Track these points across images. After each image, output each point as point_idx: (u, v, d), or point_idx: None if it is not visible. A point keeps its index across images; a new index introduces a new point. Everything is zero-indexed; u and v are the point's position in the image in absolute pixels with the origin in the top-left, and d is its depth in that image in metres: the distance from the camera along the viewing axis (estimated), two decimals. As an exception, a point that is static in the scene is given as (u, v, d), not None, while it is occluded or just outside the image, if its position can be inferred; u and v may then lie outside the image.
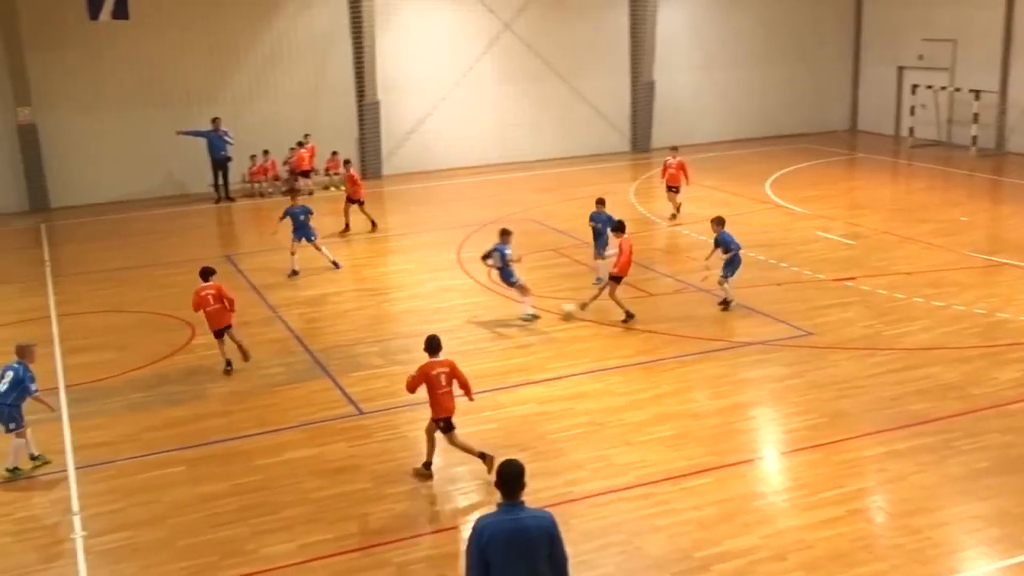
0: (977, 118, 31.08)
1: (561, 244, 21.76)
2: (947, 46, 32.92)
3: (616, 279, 16.60)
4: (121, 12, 25.59)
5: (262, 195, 28.26)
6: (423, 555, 9.96)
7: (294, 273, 19.93)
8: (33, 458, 12.12)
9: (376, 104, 29.98)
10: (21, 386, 11.87)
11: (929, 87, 33.03)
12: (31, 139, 26.63)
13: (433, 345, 11.45)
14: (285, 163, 28.81)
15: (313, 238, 20.22)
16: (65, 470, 11.99)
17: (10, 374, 11.89)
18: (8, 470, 11.84)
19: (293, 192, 21.11)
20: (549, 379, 14.27)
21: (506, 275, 16.75)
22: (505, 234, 16.93)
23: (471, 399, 11.71)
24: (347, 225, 23.51)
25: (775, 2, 34.99)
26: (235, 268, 20.76)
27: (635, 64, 33.45)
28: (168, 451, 12.36)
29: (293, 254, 20.05)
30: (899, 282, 18.17)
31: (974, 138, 31.24)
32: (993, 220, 23.73)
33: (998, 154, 31.24)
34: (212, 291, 14.75)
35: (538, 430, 12.64)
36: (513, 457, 7.07)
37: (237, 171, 28.28)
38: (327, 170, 29.17)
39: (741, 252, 17.27)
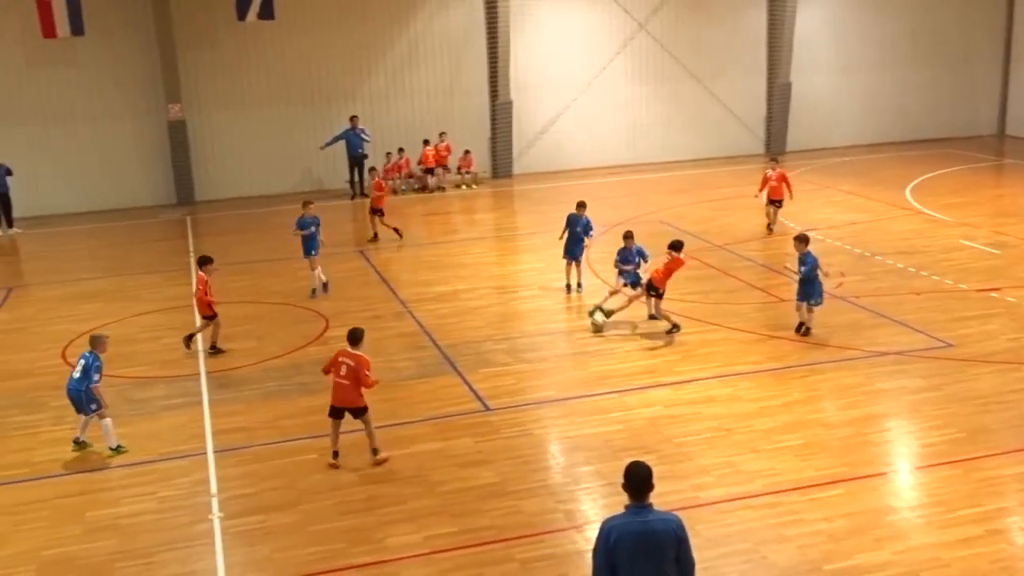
0: None
1: (691, 246, 21.43)
2: (1107, 47, 31.25)
3: (653, 291, 16.02)
4: (267, 13, 26.53)
5: (395, 192, 28.81)
6: (546, 553, 10.00)
7: (324, 287, 18.90)
8: (77, 443, 12.70)
9: (509, 104, 30.23)
10: (90, 374, 12.42)
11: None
12: (180, 135, 27.82)
13: (354, 338, 12.08)
14: (419, 162, 29.29)
15: (314, 253, 18.74)
16: (205, 453, 12.48)
17: (82, 362, 12.49)
18: (112, 449, 12.48)
19: (305, 203, 19.27)
20: (677, 382, 14.15)
21: (630, 277, 16.93)
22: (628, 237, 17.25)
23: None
24: (375, 234, 23.05)
25: (920, 2, 33.79)
26: (368, 263, 21.23)
27: (772, 65, 32.80)
28: (302, 439, 12.75)
29: (313, 270, 18.89)
30: (1048, 294, 17.37)
31: None
32: None
33: None
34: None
35: (664, 433, 12.56)
36: (640, 460, 7.03)
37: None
38: (459, 168, 29.55)
39: (821, 276, 15.79)
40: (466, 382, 14.46)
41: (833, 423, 12.73)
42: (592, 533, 10.31)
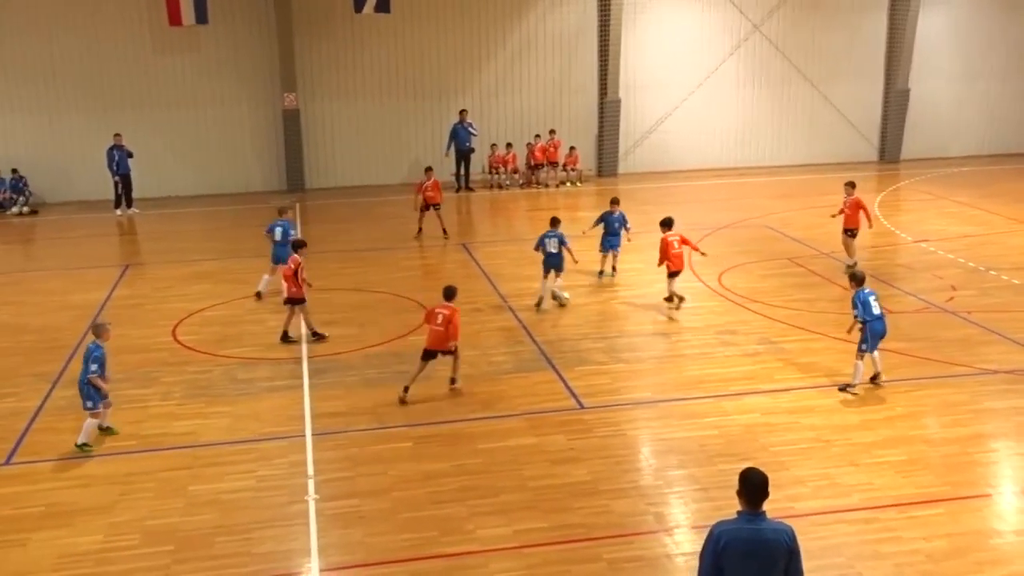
0: None
1: (796, 253, 21.16)
2: None
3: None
4: (383, 6, 26.95)
5: (500, 187, 29.00)
6: (634, 555, 9.98)
7: (260, 291, 18.63)
8: (102, 429, 12.72)
9: (617, 102, 30.12)
10: (87, 365, 12.35)
11: None
12: (294, 124, 28.48)
13: (449, 293, 14.18)
14: (528, 158, 29.44)
15: (281, 261, 17.90)
16: (303, 435, 12.78)
17: (85, 355, 12.45)
18: (77, 446, 12.36)
19: (281, 209, 19.32)
20: (775, 390, 13.94)
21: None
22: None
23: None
24: (420, 229, 22.91)
25: (1051, 8, 32.54)
26: (470, 256, 21.44)
27: (890, 70, 31.95)
28: (398, 427, 12.95)
29: (271, 275, 18.50)
30: None
31: None
32: None
33: None
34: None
35: (760, 441, 12.40)
36: (756, 467, 7.02)
37: (478, 161, 29.19)
38: (565, 165, 29.57)
39: (884, 320, 13.87)
40: (562, 379, 14.49)
41: (936, 440, 12.39)
42: (682, 537, 10.32)
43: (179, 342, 16.43)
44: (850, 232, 19.67)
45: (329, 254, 21.75)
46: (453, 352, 13.81)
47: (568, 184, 29.38)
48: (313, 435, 12.78)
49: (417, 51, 29.15)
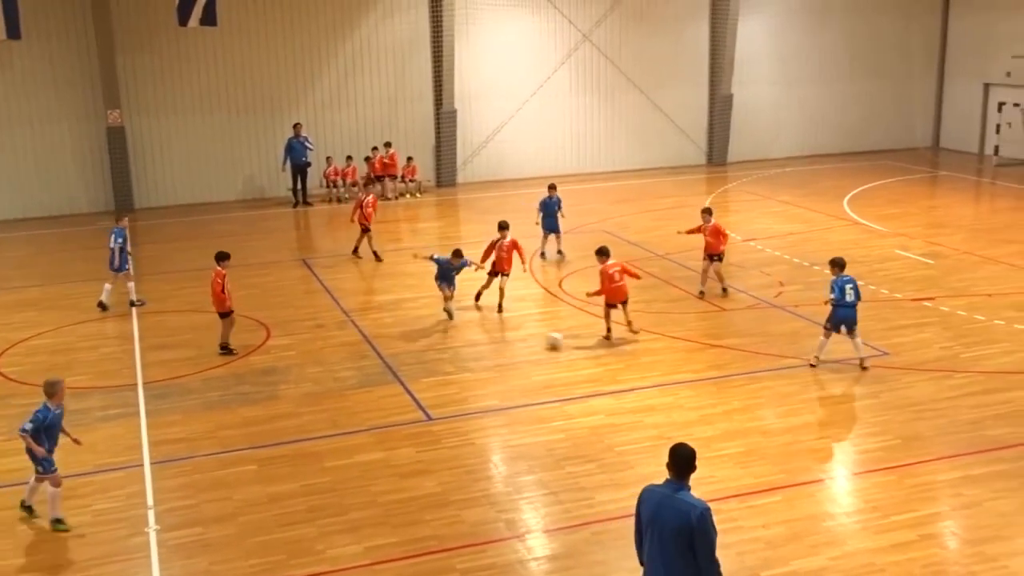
0: (1067, 137, 30.29)
1: (634, 256, 21.66)
2: (1037, 63, 32.13)
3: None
4: (209, 19, 26.19)
5: (339, 200, 28.66)
6: (487, 563, 9.99)
7: (102, 306, 18.51)
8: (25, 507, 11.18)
9: (453, 112, 30.26)
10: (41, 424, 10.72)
11: (1016, 105, 32.24)
12: (119, 141, 27.39)
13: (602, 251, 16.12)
14: (367, 171, 29.19)
15: (126, 267, 18.63)
16: (141, 465, 12.28)
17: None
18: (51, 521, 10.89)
19: (118, 216, 19.21)
20: (619, 391, 14.23)
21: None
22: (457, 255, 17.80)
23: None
24: (357, 248, 22.32)
25: (858, 16, 34.47)
26: (311, 271, 21.09)
27: (714, 77, 33.24)
28: (241, 450, 12.61)
29: (113, 284, 18.60)
30: (979, 304, 17.76)
31: (1063, 158, 30.44)
32: (1081, 242, 23.07)
33: (1088, 175, 30.37)
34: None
35: (606, 442, 12.62)
36: (686, 442, 7.35)
37: (315, 176, 28.77)
38: (403, 177, 29.48)
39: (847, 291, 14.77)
40: (409, 392, 14.41)
41: (772, 431, 12.89)
42: (534, 542, 10.43)
43: (2, 374, 15.56)
44: (717, 257, 18.77)
45: (163, 275, 21.02)
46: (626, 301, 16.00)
47: (408, 196, 29.30)
48: (152, 464, 12.30)
49: (247, 64, 28.53)
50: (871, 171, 31.69)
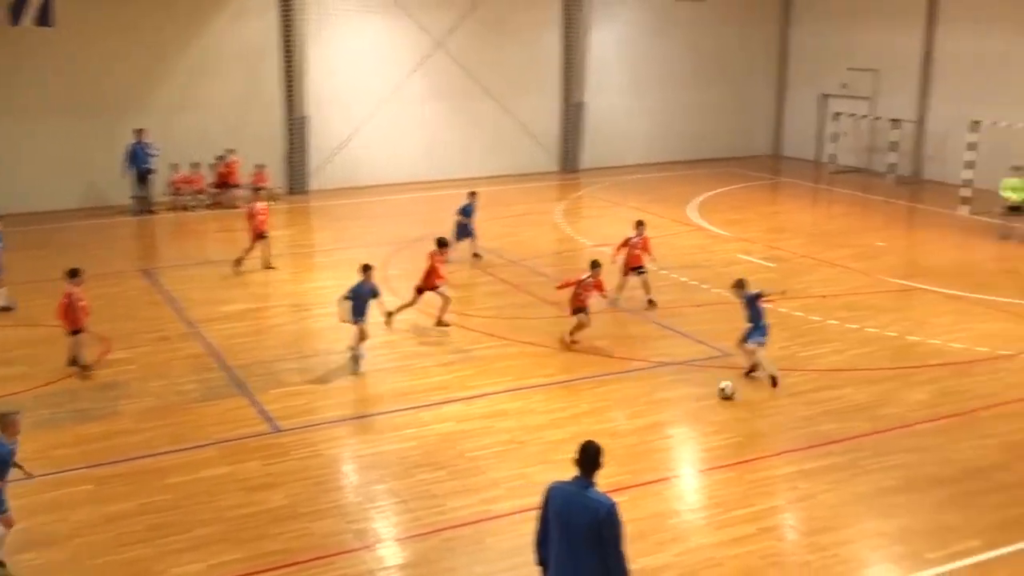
0: (896, 146, 31.94)
1: (486, 262, 21.81)
2: (869, 75, 33.81)
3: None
4: (45, 19, 25.13)
5: (185, 208, 27.85)
6: (336, 575, 9.86)
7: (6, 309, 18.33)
8: None
9: (304, 119, 29.80)
10: None
11: (851, 115, 33.87)
12: (-54, 147, 25.95)
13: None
14: (215, 178, 28.45)
15: None
16: (-31, 488, 11.62)
17: None
18: None
19: None
20: (470, 397, 14.27)
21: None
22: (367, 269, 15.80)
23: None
24: (240, 259, 21.36)
25: (704, 27, 35.60)
26: (153, 282, 20.41)
27: (566, 85, 33.75)
28: (77, 469, 12.07)
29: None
30: (815, 305, 18.55)
31: (892, 166, 32.08)
32: (909, 246, 24.38)
33: (915, 182, 32.10)
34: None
35: (457, 448, 12.64)
36: (594, 440, 7.55)
37: (160, 182, 27.84)
38: (253, 184, 28.81)
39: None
40: (256, 403, 14.09)
41: (620, 432, 13.14)
42: (384, 552, 10.37)
43: None
44: (640, 270, 18.77)
45: (-6, 288, 19.97)
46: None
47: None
48: (-21, 487, 11.64)
49: (88, 67, 27.36)
50: (716, 178, 32.74)
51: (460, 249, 21.68)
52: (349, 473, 12.17)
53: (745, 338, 14.85)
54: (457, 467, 12.10)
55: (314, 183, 30.50)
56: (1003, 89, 29.58)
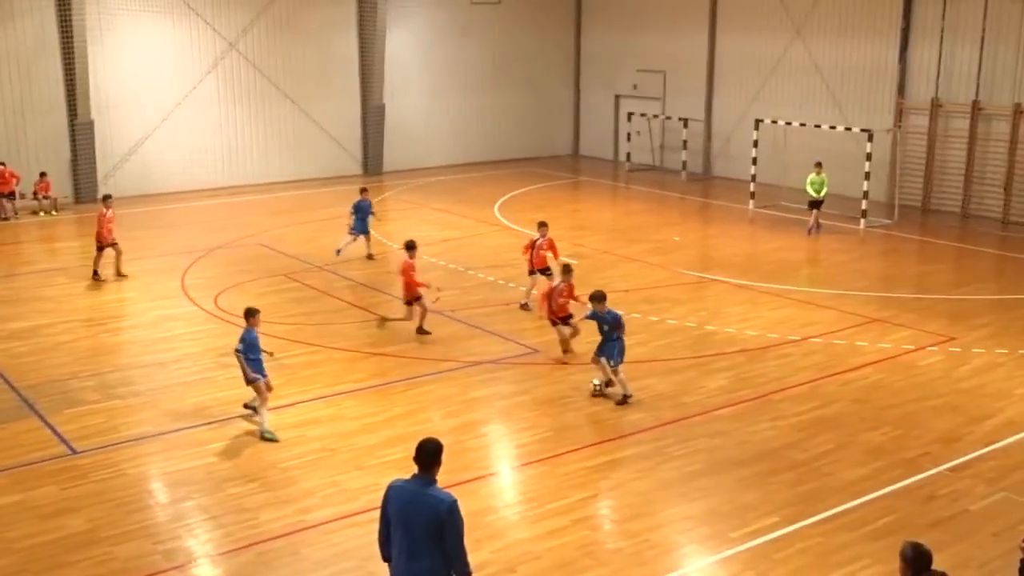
0: (686, 145, 33.38)
1: (292, 268, 21.38)
2: (658, 77, 35.19)
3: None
4: None
5: (-39, 221, 26.00)
6: (143, 599, 9.45)
7: None
8: None
9: (90, 123, 28.33)
10: None
11: (643, 115, 35.14)
12: None
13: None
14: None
15: None
16: None
17: None
18: None
19: None
20: (280, 406, 13.90)
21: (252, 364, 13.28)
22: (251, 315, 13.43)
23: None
24: (96, 271, 20.55)
25: (501, 30, 36.12)
26: (-72, 301, 18.96)
27: (365, 87, 33.50)
28: None
29: None
30: (618, 299, 18.99)
31: (684, 163, 33.52)
32: (702, 240, 25.51)
33: (705, 178, 33.66)
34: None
35: (268, 459, 12.32)
36: (433, 437, 7.51)
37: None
38: (35, 193, 27.22)
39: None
40: (48, 425, 13.29)
41: (434, 433, 12.86)
42: (197, 571, 9.95)
43: None
44: (546, 271, 18.74)
45: None
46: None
47: (42, 213, 27.09)
48: None
49: None
50: (518, 178, 33.27)
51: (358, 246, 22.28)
52: (155, 492, 11.65)
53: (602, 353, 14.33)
54: (269, 478, 11.80)
55: (103, 190, 28.94)
56: (779, 90, 31.46)
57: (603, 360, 14.23)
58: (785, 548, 10.29)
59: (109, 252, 20.54)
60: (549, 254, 18.95)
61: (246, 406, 13.65)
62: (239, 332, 13.39)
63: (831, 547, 10.29)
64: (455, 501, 7.21)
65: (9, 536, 10.46)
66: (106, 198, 21.05)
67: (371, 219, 22.46)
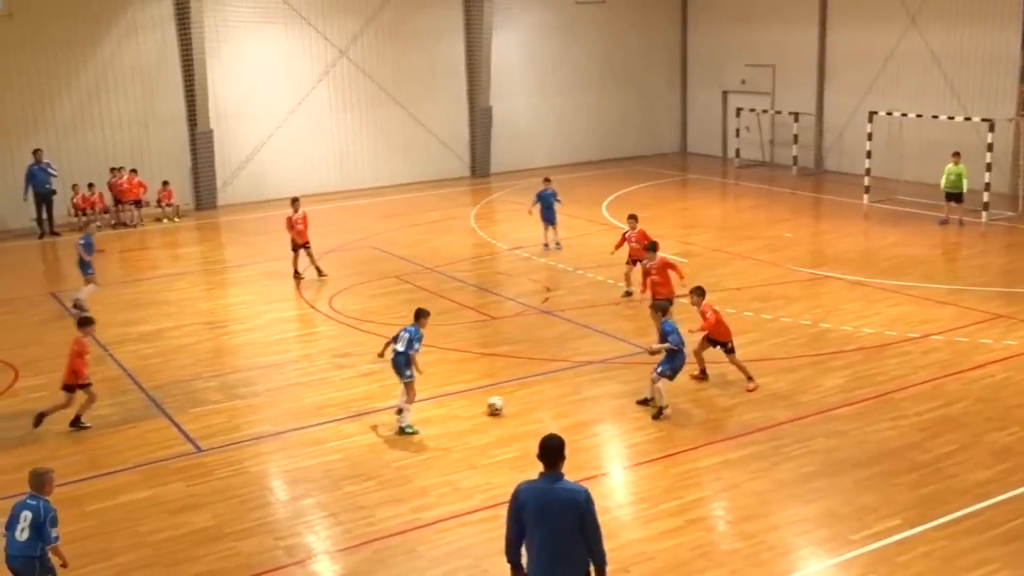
0: (797, 139, 32.73)
1: (403, 270, 21.71)
2: (767, 71, 34.60)
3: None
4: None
5: (90, 229, 27.12)
6: (267, 593, 9.74)
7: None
8: None
9: (209, 133, 29.28)
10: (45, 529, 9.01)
11: (752, 110, 34.60)
12: None
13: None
14: (110, 186, 27.72)
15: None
16: None
17: (28, 514, 9.01)
18: None
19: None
20: (394, 407, 14.14)
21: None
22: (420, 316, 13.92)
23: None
24: (296, 271, 21.25)
25: (606, 30, 36.00)
26: (62, 306, 19.83)
27: (472, 91, 33.80)
28: (-9, 501, 11.67)
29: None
30: (729, 297, 18.88)
31: (795, 158, 32.87)
32: (815, 235, 24.97)
33: (817, 173, 32.94)
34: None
35: (383, 458, 12.55)
36: (554, 432, 7.65)
37: (62, 204, 27.08)
38: (159, 201, 28.27)
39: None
40: (175, 424, 13.80)
41: (545, 432, 13.12)
42: (317, 567, 10.21)
43: None
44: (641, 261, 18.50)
45: None
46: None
47: (165, 220, 28.12)
48: None
49: (-24, 88, 26.53)
50: (626, 177, 33.11)
51: (547, 235, 23.16)
52: (275, 489, 11.99)
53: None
54: (384, 477, 12.02)
55: (222, 198, 30.02)
56: (893, 81, 30.58)
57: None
58: (908, 551, 10.02)
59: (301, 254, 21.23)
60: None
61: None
62: (353, 334, 13.62)
63: (957, 551, 9.98)
64: (588, 491, 7.42)
65: (141, 530, 10.90)
66: (294, 200, 21.58)
67: (557, 206, 23.09)
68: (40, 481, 9.20)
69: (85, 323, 14.26)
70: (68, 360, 13.71)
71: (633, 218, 19.50)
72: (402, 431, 13.29)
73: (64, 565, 9.34)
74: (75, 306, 18.79)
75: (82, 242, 19.58)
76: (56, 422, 13.81)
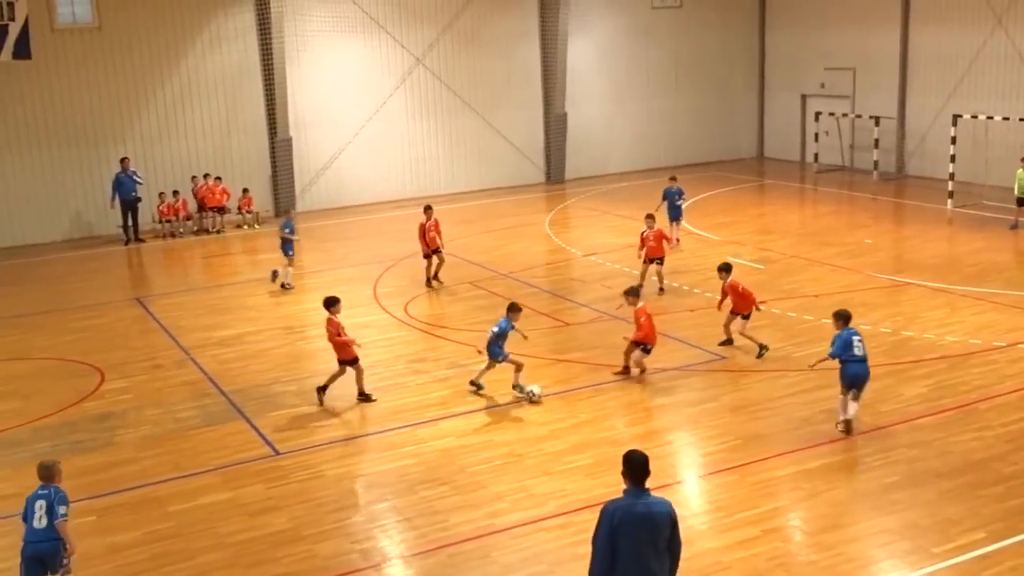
0: (878, 144, 32.10)
1: (477, 276, 21.81)
2: (847, 74, 34.00)
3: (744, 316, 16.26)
4: (23, 52, 25.11)
5: (173, 235, 27.80)
6: (343, 595, 9.85)
7: None
8: None
9: (288, 140, 29.79)
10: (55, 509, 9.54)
11: (831, 114, 34.03)
12: (-70, 184, 25.86)
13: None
14: (194, 193, 28.37)
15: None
16: (-32, 525, 11.56)
17: (42, 502, 9.54)
18: None
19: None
20: (468, 412, 14.25)
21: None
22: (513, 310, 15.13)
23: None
24: (428, 278, 21.34)
25: (683, 34, 35.75)
26: (146, 310, 20.34)
27: (547, 97, 33.83)
28: (78, 501, 11.87)
29: None
30: (808, 304, 18.60)
31: (875, 163, 32.24)
32: (896, 241, 24.46)
33: (899, 178, 32.26)
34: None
35: (458, 463, 12.61)
36: (637, 448, 7.70)
37: (147, 211, 27.80)
38: (239, 208, 28.83)
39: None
40: (254, 427, 14.05)
41: (620, 440, 13.12)
42: (391, 571, 10.30)
43: None
44: (657, 260, 19.86)
45: (-16, 323, 19.92)
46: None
47: (245, 227, 28.66)
48: (-21, 523, 11.58)
49: (66, 97, 27.30)
50: (702, 182, 32.78)
51: (673, 231, 23.50)
52: (351, 493, 12.12)
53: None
54: (458, 482, 12.08)
55: (300, 204, 30.48)
56: (978, 83, 29.82)
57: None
58: (994, 566, 9.76)
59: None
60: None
61: (472, 383, 14.98)
62: (428, 339, 13.68)
63: (1045, 567, 9.69)
64: (670, 500, 7.56)
65: (222, 531, 11.12)
66: (427, 208, 21.83)
67: (682, 205, 23.97)
68: (49, 472, 9.78)
69: (330, 304, 15.01)
70: (331, 343, 14.88)
71: (651, 217, 20.33)
72: (531, 400, 14.36)
73: (68, 548, 9.56)
74: (274, 277, 21.66)
75: (286, 229, 21.78)
76: (139, 425, 14.16)
